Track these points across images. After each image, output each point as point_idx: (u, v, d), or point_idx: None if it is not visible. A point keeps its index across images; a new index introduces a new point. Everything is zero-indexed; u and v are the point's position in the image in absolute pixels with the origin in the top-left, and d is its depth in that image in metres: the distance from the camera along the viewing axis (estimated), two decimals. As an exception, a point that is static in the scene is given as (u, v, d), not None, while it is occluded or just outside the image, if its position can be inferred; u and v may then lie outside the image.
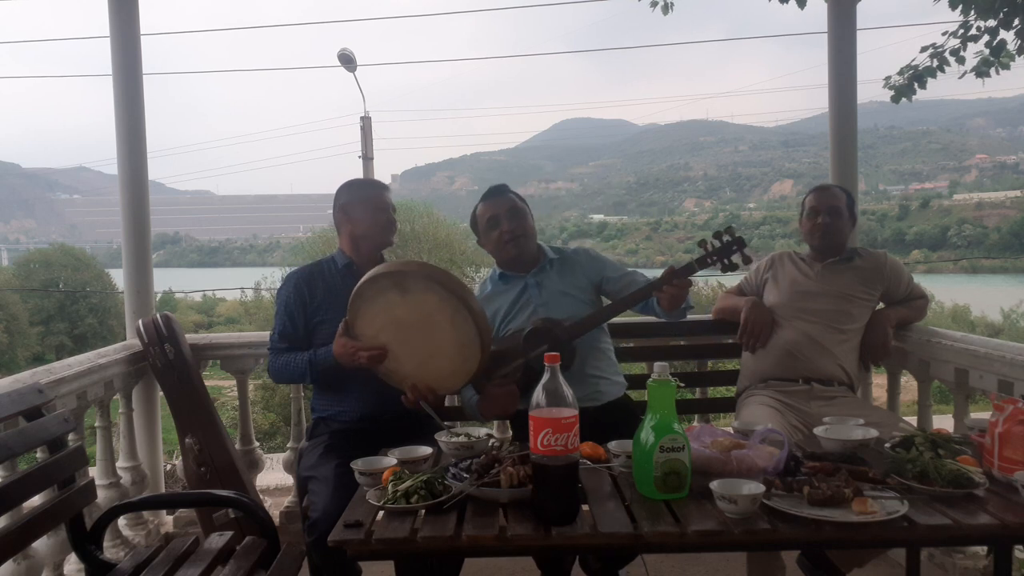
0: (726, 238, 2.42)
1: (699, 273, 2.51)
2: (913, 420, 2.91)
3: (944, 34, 4.06)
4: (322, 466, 2.32)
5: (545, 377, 1.57)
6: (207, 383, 3.23)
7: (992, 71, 4.00)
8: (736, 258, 2.43)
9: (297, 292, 2.53)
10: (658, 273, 2.50)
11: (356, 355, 2.27)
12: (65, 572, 2.51)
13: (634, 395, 2.72)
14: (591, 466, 1.85)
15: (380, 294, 2.24)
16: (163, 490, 3.45)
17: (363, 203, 2.57)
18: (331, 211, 2.64)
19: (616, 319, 2.82)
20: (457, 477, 1.75)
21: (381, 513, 1.66)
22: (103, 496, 2.79)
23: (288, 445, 3.40)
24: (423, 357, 2.27)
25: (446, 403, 3.07)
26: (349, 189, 2.63)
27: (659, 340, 3.15)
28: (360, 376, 2.42)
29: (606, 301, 2.64)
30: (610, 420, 2.40)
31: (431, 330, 2.23)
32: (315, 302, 2.52)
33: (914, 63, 4.19)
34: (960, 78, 4.09)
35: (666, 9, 4.14)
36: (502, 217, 2.58)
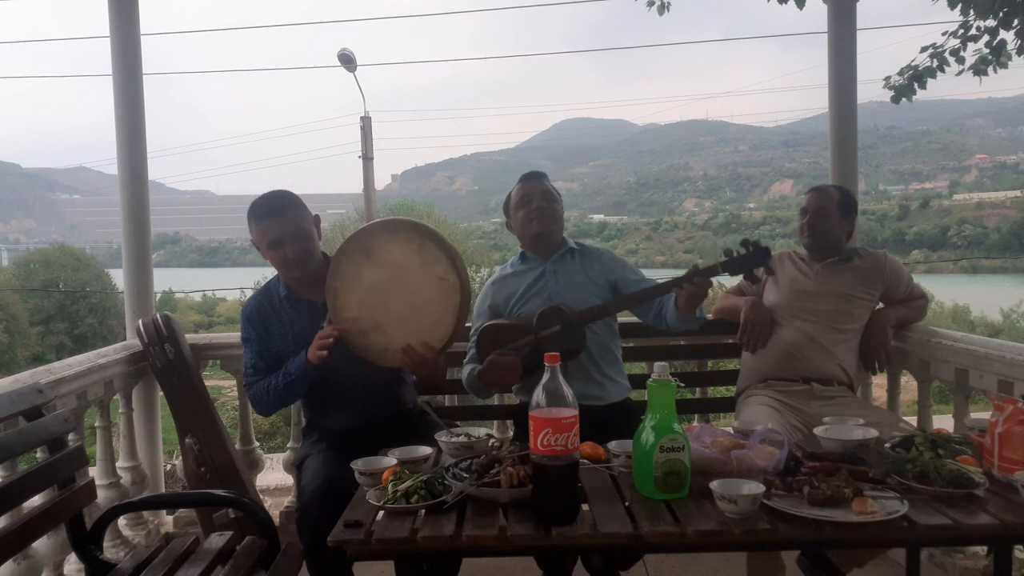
0: (752, 248, 2.40)
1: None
2: (913, 420, 2.91)
3: (944, 34, 4.07)
4: (315, 447, 2.39)
5: (545, 377, 1.57)
6: (207, 383, 3.23)
7: (990, 70, 4.00)
8: (760, 271, 2.44)
9: (253, 328, 2.45)
10: (661, 273, 2.50)
11: (319, 347, 2.20)
12: (65, 572, 2.51)
13: (634, 395, 2.73)
14: (591, 466, 1.85)
15: (351, 269, 2.24)
16: (163, 490, 3.45)
17: (257, 238, 2.36)
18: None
19: (621, 320, 2.83)
20: (457, 477, 1.75)
21: (381, 513, 1.66)
22: (103, 496, 2.79)
23: (288, 445, 3.40)
24: (408, 314, 2.24)
25: (447, 403, 3.08)
26: (247, 215, 2.36)
27: (659, 340, 3.15)
28: (341, 388, 2.41)
29: None
30: (611, 420, 2.41)
31: (405, 279, 2.23)
32: (272, 335, 2.44)
33: (914, 63, 4.19)
34: (958, 75, 4.09)
35: (662, 9, 4.14)
36: (534, 195, 2.62)
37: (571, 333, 2.47)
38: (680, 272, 2.48)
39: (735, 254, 2.40)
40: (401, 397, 2.52)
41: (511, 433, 3.22)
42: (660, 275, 2.53)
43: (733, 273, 2.41)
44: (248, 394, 2.49)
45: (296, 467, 2.46)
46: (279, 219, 2.32)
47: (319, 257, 2.41)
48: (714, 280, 2.41)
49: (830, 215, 2.86)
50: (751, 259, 2.40)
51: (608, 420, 2.40)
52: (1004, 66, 3.97)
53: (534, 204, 2.61)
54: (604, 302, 2.56)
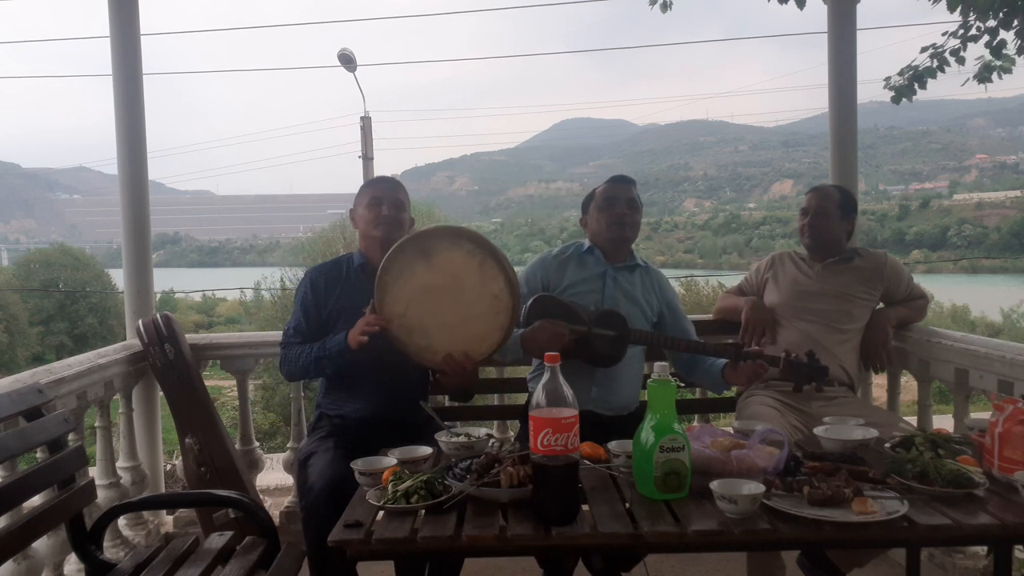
0: (812, 366, 2.40)
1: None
2: (913, 420, 2.91)
3: (944, 34, 4.06)
4: (320, 445, 2.38)
5: (545, 377, 1.57)
6: (207, 383, 3.23)
7: (994, 76, 4.00)
8: (810, 387, 2.46)
9: (313, 288, 2.54)
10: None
11: (359, 329, 2.25)
12: (65, 572, 2.51)
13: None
14: (591, 466, 1.85)
15: (406, 266, 2.23)
16: (163, 490, 3.45)
17: (360, 200, 2.59)
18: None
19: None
20: (457, 477, 1.75)
21: (381, 513, 1.66)
22: (103, 496, 2.79)
23: (288, 445, 3.40)
24: (455, 322, 2.25)
25: (446, 403, 3.08)
26: (359, 189, 2.64)
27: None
28: (369, 376, 2.43)
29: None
30: (621, 426, 2.42)
31: (460, 289, 2.23)
32: (329, 299, 2.52)
33: (914, 63, 4.19)
34: (963, 85, 4.09)
35: (664, 7, 4.12)
36: (621, 201, 2.62)
37: (619, 343, 2.48)
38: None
39: (795, 359, 2.40)
40: (421, 398, 2.53)
41: (511, 433, 3.23)
42: (742, 350, 2.53)
43: (784, 376, 2.45)
44: (281, 352, 2.54)
45: (300, 464, 2.45)
46: (388, 187, 2.58)
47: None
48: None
49: (830, 215, 2.86)
50: (807, 373, 2.40)
51: (618, 427, 2.41)
52: (1008, 71, 3.96)
53: (618, 209, 2.60)
54: (663, 334, 2.60)
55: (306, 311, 2.52)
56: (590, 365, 2.50)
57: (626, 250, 2.68)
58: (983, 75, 3.99)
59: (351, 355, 2.33)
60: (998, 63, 3.93)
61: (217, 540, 2.10)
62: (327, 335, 2.47)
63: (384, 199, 2.53)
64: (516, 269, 2.35)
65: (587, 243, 2.69)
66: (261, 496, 3.40)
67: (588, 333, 2.44)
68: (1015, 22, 3.73)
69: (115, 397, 3.04)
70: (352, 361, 2.36)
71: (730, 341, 3.03)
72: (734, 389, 3.00)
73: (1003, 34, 3.86)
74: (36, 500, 1.96)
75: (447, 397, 3.12)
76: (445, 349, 2.26)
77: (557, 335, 2.38)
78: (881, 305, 2.92)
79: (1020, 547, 2.29)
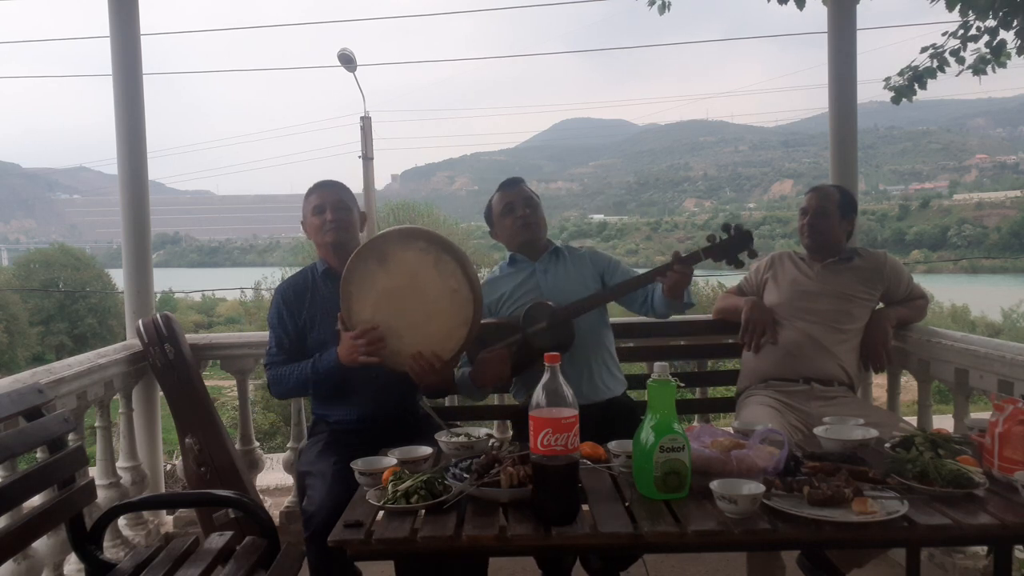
0: (735, 232, 2.42)
1: (701, 275, 2.52)
2: (913, 420, 2.91)
3: (944, 34, 4.06)
4: (320, 462, 2.33)
5: (545, 377, 1.57)
6: (207, 383, 3.23)
7: (989, 69, 4.00)
8: (743, 256, 2.44)
9: (285, 304, 2.54)
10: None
11: (355, 347, 2.26)
12: (65, 572, 2.51)
13: (634, 395, 2.73)
14: (591, 466, 1.85)
15: (366, 273, 2.25)
16: (163, 490, 3.45)
17: (306, 210, 2.59)
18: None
19: (617, 319, 2.83)
20: (457, 477, 1.75)
21: (381, 513, 1.66)
22: (103, 496, 2.79)
23: (288, 445, 3.40)
24: (420, 321, 2.27)
25: (447, 403, 3.08)
26: (303, 198, 2.61)
27: (659, 340, 3.15)
28: (359, 378, 2.42)
29: None
30: (609, 417, 2.41)
31: (420, 288, 2.25)
32: (301, 309, 2.53)
33: (914, 63, 4.19)
34: (957, 75, 4.09)
35: (662, 8, 4.12)
36: (517, 204, 2.66)
37: (559, 328, 2.48)
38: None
39: (717, 239, 2.41)
40: (414, 395, 2.54)
41: (511, 433, 3.22)
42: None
43: (716, 259, 2.43)
44: (267, 374, 2.54)
45: (300, 472, 2.44)
46: (326, 191, 2.56)
47: (357, 241, 2.54)
48: (714, 280, 2.42)
49: (830, 215, 2.86)
50: (734, 243, 2.40)
51: (606, 417, 2.40)
52: (1004, 66, 3.96)
53: (518, 212, 2.65)
54: (598, 292, 2.59)
55: (283, 327, 2.52)
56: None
57: (543, 244, 2.71)
58: (978, 67, 4.00)
59: (343, 372, 2.34)
60: (992, 58, 3.94)
61: (217, 540, 2.10)
62: (306, 343, 2.49)
63: (326, 203, 2.53)
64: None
65: (508, 256, 2.75)
66: (261, 496, 3.39)
67: (524, 336, 2.47)
68: (1015, 22, 3.73)
69: (115, 397, 3.04)
70: (345, 376, 2.37)
71: (730, 341, 3.03)
72: (734, 389, 3.01)
73: (1003, 34, 3.86)
74: (36, 500, 1.96)
75: (446, 397, 3.13)
76: (416, 348, 2.27)
77: (499, 357, 2.43)
78: (881, 305, 2.92)
79: (1020, 547, 2.29)
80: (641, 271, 2.71)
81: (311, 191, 2.60)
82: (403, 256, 2.24)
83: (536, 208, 2.68)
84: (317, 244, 2.60)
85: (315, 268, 2.62)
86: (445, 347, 2.29)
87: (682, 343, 3.27)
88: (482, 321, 2.52)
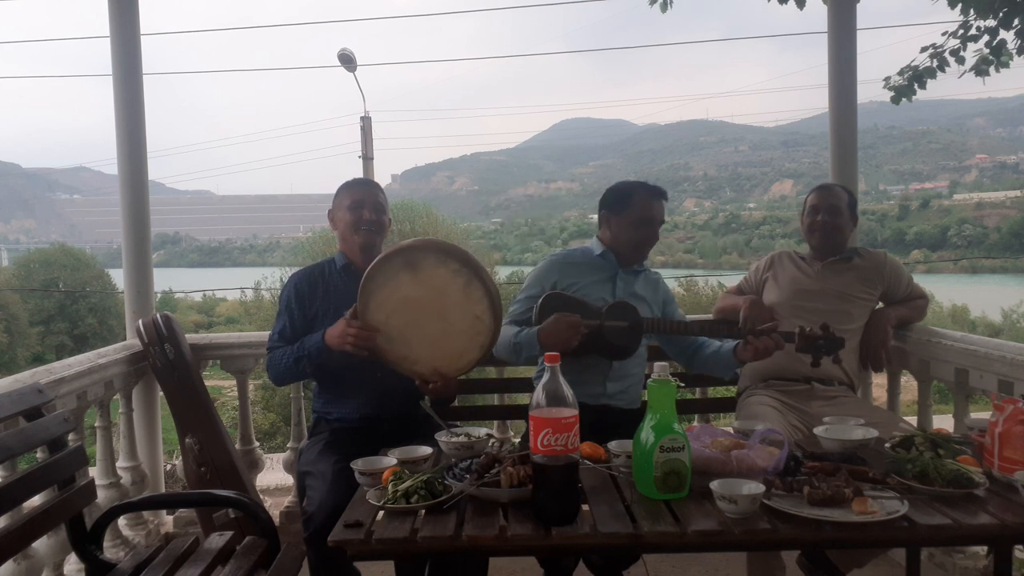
0: (826, 336, 2.42)
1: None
2: (913, 420, 2.91)
3: (944, 34, 4.07)
4: (320, 462, 2.33)
5: (545, 377, 1.57)
6: (207, 383, 3.23)
7: (991, 69, 4.00)
8: (826, 360, 2.46)
9: (297, 292, 2.56)
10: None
11: (345, 334, 2.26)
12: (65, 572, 2.51)
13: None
14: (591, 466, 1.85)
15: (391, 276, 2.24)
16: (163, 490, 3.45)
17: (340, 203, 2.61)
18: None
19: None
20: (457, 477, 1.75)
21: (381, 513, 1.66)
22: (103, 496, 2.79)
23: (288, 445, 3.40)
24: (435, 336, 2.28)
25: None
26: (336, 191, 2.66)
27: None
28: (360, 376, 2.42)
29: None
30: (629, 422, 2.42)
31: (442, 305, 2.25)
32: (314, 302, 2.54)
33: (914, 63, 4.19)
34: (960, 77, 4.10)
35: (664, 6, 4.12)
36: (657, 222, 2.63)
37: (632, 334, 2.50)
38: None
39: (809, 333, 2.42)
40: (415, 396, 2.53)
41: (511, 433, 3.22)
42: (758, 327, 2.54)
43: (799, 350, 2.45)
44: (267, 357, 2.55)
45: (300, 472, 2.44)
46: (367, 190, 2.61)
47: (381, 244, 2.58)
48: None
49: (843, 213, 2.86)
50: (821, 346, 2.42)
51: (626, 422, 2.40)
52: (1006, 66, 3.97)
53: (655, 229, 2.63)
54: (675, 320, 2.62)
55: (291, 315, 2.54)
56: (605, 358, 2.52)
57: (642, 261, 2.72)
58: (980, 67, 4.00)
59: (328, 355, 2.35)
60: (994, 59, 3.94)
61: (217, 540, 2.10)
62: (311, 333, 2.49)
63: (365, 202, 2.56)
64: (520, 269, 2.36)
65: (595, 247, 2.68)
66: (261, 496, 3.40)
67: (601, 326, 2.45)
68: (1015, 21, 3.73)
69: (115, 397, 3.04)
70: (330, 361, 2.37)
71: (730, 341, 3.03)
72: (734, 389, 3.01)
73: (1003, 34, 3.86)
74: (36, 500, 1.96)
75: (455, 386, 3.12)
76: (424, 360, 2.29)
77: (573, 325, 2.37)
78: (880, 305, 2.91)
79: (1020, 547, 2.29)
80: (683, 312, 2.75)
81: (350, 186, 2.63)
82: (435, 271, 2.24)
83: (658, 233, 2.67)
84: (343, 238, 2.60)
85: (333, 262, 2.63)
86: (453, 366, 2.31)
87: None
88: (566, 292, 2.53)
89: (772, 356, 2.78)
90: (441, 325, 2.27)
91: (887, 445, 1.95)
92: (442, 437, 2.05)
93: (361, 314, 2.27)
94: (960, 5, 3.79)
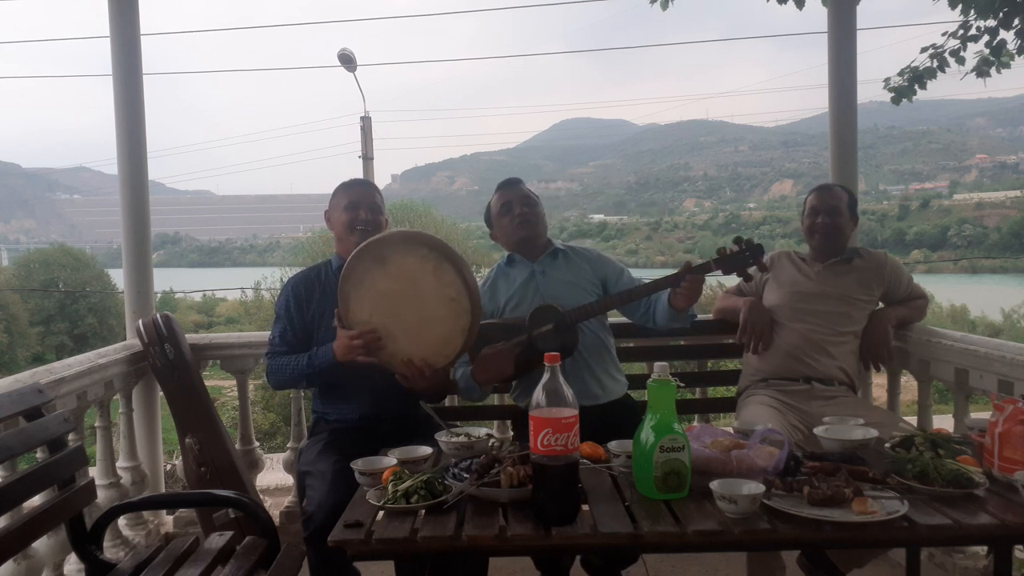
0: (746, 247, 2.41)
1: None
2: (913, 420, 2.91)
3: (944, 34, 4.07)
4: (320, 462, 2.33)
5: (545, 377, 1.57)
6: (207, 383, 3.23)
7: (992, 70, 4.00)
8: (752, 269, 2.45)
9: (295, 295, 2.56)
10: (660, 273, 2.50)
11: (352, 347, 2.26)
12: (65, 572, 2.51)
13: (634, 395, 2.73)
14: (591, 466, 1.85)
15: (365, 273, 2.24)
16: (163, 490, 3.45)
17: (337, 203, 2.60)
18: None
19: (617, 319, 2.83)
20: (457, 477, 1.75)
21: (381, 513, 1.66)
22: (103, 496, 2.79)
23: (288, 445, 3.40)
24: (416, 326, 2.27)
25: (447, 403, 3.08)
26: (333, 191, 2.66)
27: (659, 340, 3.14)
28: (359, 377, 2.42)
29: None
30: (611, 419, 2.40)
31: (418, 293, 2.24)
32: (311, 305, 2.54)
33: (914, 63, 4.19)
34: (961, 79, 4.10)
35: (665, 4, 4.11)
36: (515, 202, 2.66)
37: (564, 331, 2.48)
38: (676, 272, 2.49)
39: (728, 252, 2.41)
40: (415, 396, 2.53)
41: (511, 433, 3.22)
42: (659, 275, 2.53)
43: (727, 271, 2.42)
44: (267, 362, 2.55)
45: (300, 472, 2.44)
46: (363, 190, 2.62)
47: None
48: (714, 281, 2.41)
49: (843, 214, 2.86)
50: (745, 257, 2.40)
51: (607, 419, 2.39)
52: (1006, 66, 3.97)
53: (516, 211, 2.65)
54: (596, 300, 2.57)
55: (290, 319, 2.54)
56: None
57: (541, 243, 2.70)
58: (981, 68, 4.00)
59: (340, 368, 2.35)
60: (994, 59, 3.94)
61: (217, 540, 2.10)
62: (311, 339, 2.50)
63: (361, 202, 2.56)
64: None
65: (505, 255, 2.73)
66: (261, 496, 3.40)
67: (529, 338, 2.46)
68: (1015, 21, 3.73)
69: (115, 397, 3.04)
70: (343, 373, 2.37)
71: (730, 341, 3.03)
72: (734, 389, 3.01)
73: (1003, 34, 3.86)
74: (36, 500, 1.97)
75: (447, 397, 3.12)
76: (410, 353, 2.28)
77: (500, 354, 2.42)
78: (881, 305, 2.91)
79: (1020, 547, 2.29)
80: (643, 275, 2.71)
81: (347, 186, 2.62)
82: (403, 261, 2.23)
83: (534, 206, 2.68)
84: (340, 239, 2.60)
85: (329, 264, 2.64)
86: (440, 354, 2.29)
87: (682, 343, 3.27)
88: (488, 321, 2.52)
89: (772, 357, 2.80)
90: (421, 314, 2.26)
91: (887, 445, 1.95)
92: (442, 437, 2.05)
93: (344, 317, 2.28)
94: (960, 5, 3.79)
